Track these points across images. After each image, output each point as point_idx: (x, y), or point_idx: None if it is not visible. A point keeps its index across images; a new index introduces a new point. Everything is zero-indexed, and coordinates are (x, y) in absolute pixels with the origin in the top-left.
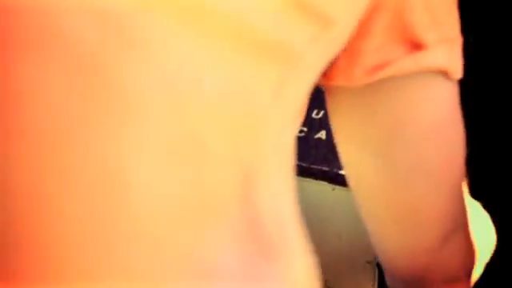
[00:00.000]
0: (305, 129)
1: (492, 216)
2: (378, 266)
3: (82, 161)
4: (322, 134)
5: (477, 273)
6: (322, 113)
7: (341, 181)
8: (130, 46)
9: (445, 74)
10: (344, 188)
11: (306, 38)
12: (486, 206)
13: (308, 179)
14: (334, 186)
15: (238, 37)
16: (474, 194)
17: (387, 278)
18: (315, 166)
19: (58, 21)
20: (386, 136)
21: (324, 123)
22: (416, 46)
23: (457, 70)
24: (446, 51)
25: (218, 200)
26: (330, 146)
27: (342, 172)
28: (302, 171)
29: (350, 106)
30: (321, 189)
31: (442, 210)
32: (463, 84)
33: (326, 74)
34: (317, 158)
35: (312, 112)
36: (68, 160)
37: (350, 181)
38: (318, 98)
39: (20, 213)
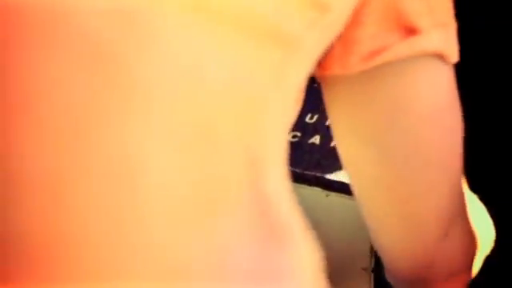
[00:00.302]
0: (298, 133)
1: (489, 209)
2: (374, 272)
3: (92, 153)
4: (316, 139)
5: (477, 265)
6: (315, 117)
7: (335, 187)
8: (138, 36)
9: (441, 57)
10: (338, 194)
11: (305, 23)
12: (483, 199)
13: (302, 185)
14: (328, 192)
15: (240, 23)
16: (472, 187)
17: (389, 279)
18: (309, 172)
19: (66, 15)
20: (383, 123)
21: (318, 128)
22: (410, 31)
23: (453, 53)
24: (441, 35)
25: (229, 187)
26: (324, 151)
27: (336, 178)
28: (296, 177)
29: (347, 95)
30: (315, 195)
31: (442, 200)
32: (459, 79)
33: (322, 64)
34: (310, 163)
35: (306, 116)
36: (78, 153)
37: (349, 174)
38: (311, 102)
39: (29, 207)
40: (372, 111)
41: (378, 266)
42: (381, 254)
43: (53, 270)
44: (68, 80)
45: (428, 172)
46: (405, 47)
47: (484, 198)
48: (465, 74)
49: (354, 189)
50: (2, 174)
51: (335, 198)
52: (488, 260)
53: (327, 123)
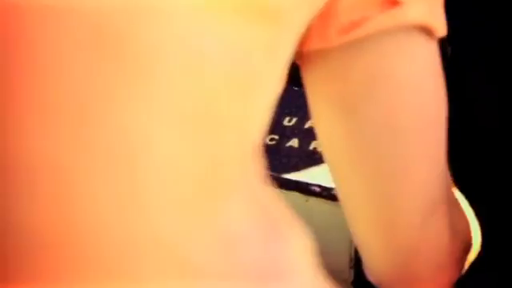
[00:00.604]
0: (276, 137)
1: (476, 209)
2: (354, 285)
3: (95, 139)
4: (295, 142)
5: (469, 261)
6: (294, 120)
7: (315, 192)
8: (141, 19)
9: (424, 30)
10: (318, 199)
11: None
12: (469, 199)
13: (278, 190)
14: (307, 197)
15: (239, 3)
16: (458, 187)
17: (372, 280)
18: (287, 177)
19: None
20: (361, 95)
21: (296, 131)
22: (392, 3)
23: (438, 27)
24: (424, 7)
25: (228, 168)
26: (302, 154)
27: (315, 182)
28: (273, 182)
29: (326, 69)
30: (293, 200)
31: (422, 180)
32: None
33: (302, 39)
34: (289, 167)
35: (284, 119)
36: (81, 140)
37: (327, 160)
38: (290, 105)
39: (30, 199)
40: (350, 83)
41: (357, 279)
42: (361, 250)
43: (54, 265)
44: (70, 65)
45: (404, 148)
46: (385, 19)
47: (471, 198)
48: (454, 74)
49: (333, 177)
50: (3, 164)
51: (315, 202)
52: (474, 261)
53: (306, 126)
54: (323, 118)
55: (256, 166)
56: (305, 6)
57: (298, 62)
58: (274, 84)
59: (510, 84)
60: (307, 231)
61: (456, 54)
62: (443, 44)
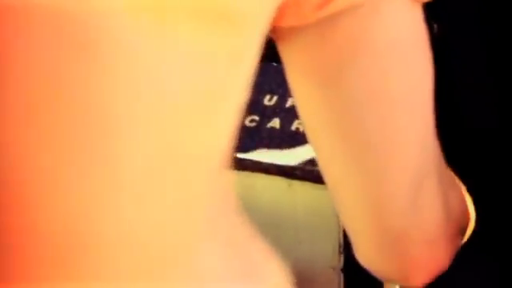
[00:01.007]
0: (256, 117)
1: (469, 186)
2: (344, 272)
3: (58, 205)
4: (276, 123)
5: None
6: (275, 99)
7: (298, 175)
8: (87, 54)
9: None
10: (302, 183)
11: None
12: (461, 177)
13: (260, 174)
14: (290, 181)
15: (195, 11)
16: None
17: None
18: (268, 161)
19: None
20: (340, 62)
21: (277, 110)
22: None
23: None
24: None
25: (198, 203)
26: (284, 135)
27: (299, 165)
28: (254, 166)
29: (304, 42)
30: (276, 185)
31: (408, 151)
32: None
33: (275, 17)
34: (270, 150)
35: (263, 98)
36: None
37: (308, 132)
38: (270, 82)
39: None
40: (330, 52)
41: (348, 265)
42: (350, 234)
43: (34, 270)
44: (39, 63)
45: (389, 119)
46: None
47: (463, 175)
48: (442, 53)
49: (318, 157)
50: None
51: (299, 187)
52: (468, 242)
53: (288, 105)
54: (305, 93)
55: (227, 197)
56: (268, 3)
57: (272, 36)
58: (239, 93)
59: (500, 61)
60: (284, 265)
61: (443, 31)
62: (429, 21)
